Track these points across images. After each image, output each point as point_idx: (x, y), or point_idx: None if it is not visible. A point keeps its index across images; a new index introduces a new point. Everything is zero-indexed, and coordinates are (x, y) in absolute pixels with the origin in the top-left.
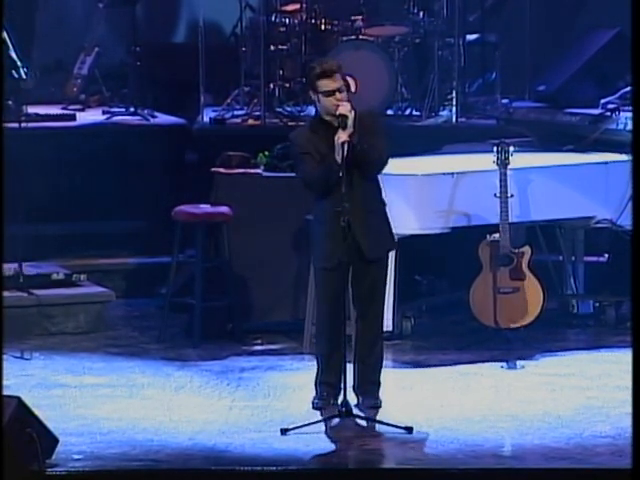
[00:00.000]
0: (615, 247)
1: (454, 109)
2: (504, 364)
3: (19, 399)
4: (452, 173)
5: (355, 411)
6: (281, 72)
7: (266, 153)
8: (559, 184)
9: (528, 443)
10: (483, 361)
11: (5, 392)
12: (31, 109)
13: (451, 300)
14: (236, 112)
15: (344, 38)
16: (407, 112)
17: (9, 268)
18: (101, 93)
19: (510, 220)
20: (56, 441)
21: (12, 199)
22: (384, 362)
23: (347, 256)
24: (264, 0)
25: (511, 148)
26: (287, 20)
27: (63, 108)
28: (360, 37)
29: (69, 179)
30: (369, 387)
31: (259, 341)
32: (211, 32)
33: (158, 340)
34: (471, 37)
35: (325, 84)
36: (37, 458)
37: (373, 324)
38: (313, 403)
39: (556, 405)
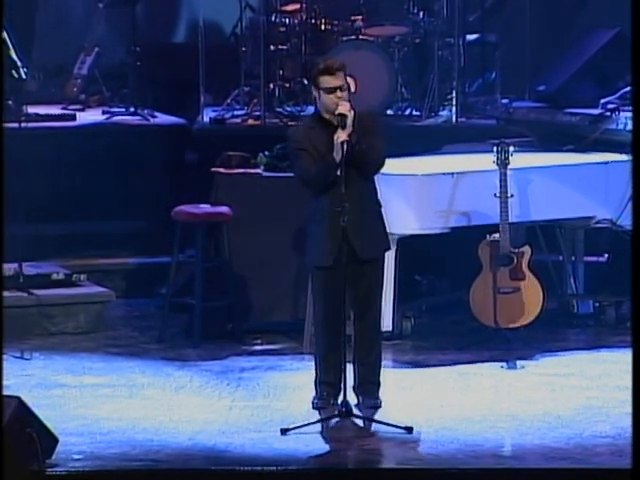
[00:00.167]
0: (615, 247)
1: (454, 109)
2: (504, 364)
3: (19, 399)
4: (452, 173)
5: (355, 411)
6: (281, 72)
7: (266, 153)
8: (559, 184)
9: (528, 443)
10: (483, 361)
11: (5, 392)
12: (31, 109)
13: (451, 300)
14: (236, 112)
15: (344, 38)
16: (407, 112)
17: (9, 268)
18: (101, 93)
19: (510, 220)
20: (56, 441)
21: (12, 199)
22: (384, 362)
23: (342, 256)
24: (264, 0)
25: (511, 148)
26: (287, 20)
27: (63, 108)
28: (360, 37)
29: (69, 179)
30: (369, 387)
31: (259, 341)
32: (211, 32)
33: (158, 340)
34: (471, 37)
35: (327, 81)
36: (37, 458)
37: (371, 324)
38: (313, 403)
39: (556, 405)
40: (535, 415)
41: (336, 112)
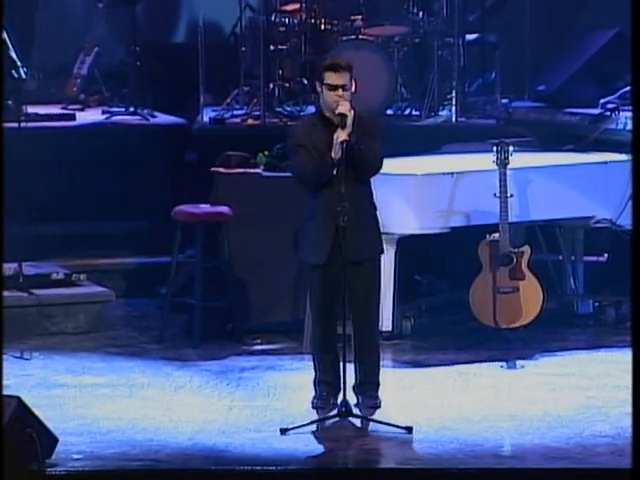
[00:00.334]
0: (615, 247)
1: (454, 109)
2: (504, 364)
3: (19, 399)
4: (452, 173)
5: (355, 411)
6: (281, 72)
7: (266, 153)
8: (559, 184)
9: (528, 443)
10: (483, 361)
11: (5, 392)
12: (31, 109)
13: (451, 300)
14: (236, 112)
15: (344, 38)
16: (407, 112)
17: (9, 268)
18: (101, 93)
19: (510, 220)
20: (56, 441)
21: (12, 199)
22: (384, 362)
23: (336, 255)
24: (264, 0)
25: (511, 148)
26: (287, 20)
27: (63, 108)
28: (360, 37)
29: (69, 179)
30: (368, 387)
31: (259, 341)
32: (211, 32)
33: (158, 340)
34: (471, 37)
35: (331, 77)
36: (37, 458)
37: (369, 325)
38: (313, 403)
39: (556, 405)
40: (535, 415)
41: (336, 111)
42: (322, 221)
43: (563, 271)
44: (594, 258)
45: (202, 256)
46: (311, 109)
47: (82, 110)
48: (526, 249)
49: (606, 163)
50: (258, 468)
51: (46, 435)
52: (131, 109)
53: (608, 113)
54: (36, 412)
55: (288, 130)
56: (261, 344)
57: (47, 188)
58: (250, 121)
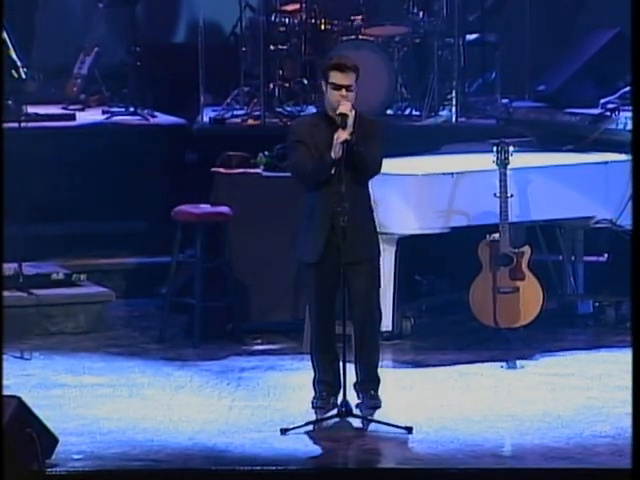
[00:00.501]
0: (615, 247)
1: (454, 109)
2: (504, 364)
3: (19, 399)
4: (452, 173)
5: (355, 411)
6: (281, 72)
7: (266, 153)
8: (559, 184)
9: (528, 443)
10: (483, 361)
11: (5, 392)
12: (31, 109)
13: (451, 300)
14: (236, 112)
15: (344, 38)
16: (407, 112)
17: (9, 268)
18: (101, 93)
19: (510, 220)
20: (56, 441)
21: (12, 199)
22: (384, 362)
23: (332, 254)
24: (264, 0)
25: (511, 148)
26: (287, 20)
27: (63, 108)
28: (360, 37)
29: (69, 179)
30: (368, 387)
31: (259, 341)
32: (211, 32)
33: (158, 340)
34: (471, 37)
35: (335, 76)
36: (37, 458)
37: (368, 325)
38: (313, 403)
39: (556, 405)
40: (535, 415)
41: (337, 111)
42: (318, 220)
43: (563, 271)
44: (594, 258)
45: (202, 256)
46: (311, 109)
47: (82, 110)
48: (526, 249)
49: (606, 163)
50: (258, 468)
51: (46, 435)
52: (131, 109)
53: (608, 113)
54: (36, 412)
55: (291, 126)
56: (261, 344)
57: (47, 188)
58: (250, 121)
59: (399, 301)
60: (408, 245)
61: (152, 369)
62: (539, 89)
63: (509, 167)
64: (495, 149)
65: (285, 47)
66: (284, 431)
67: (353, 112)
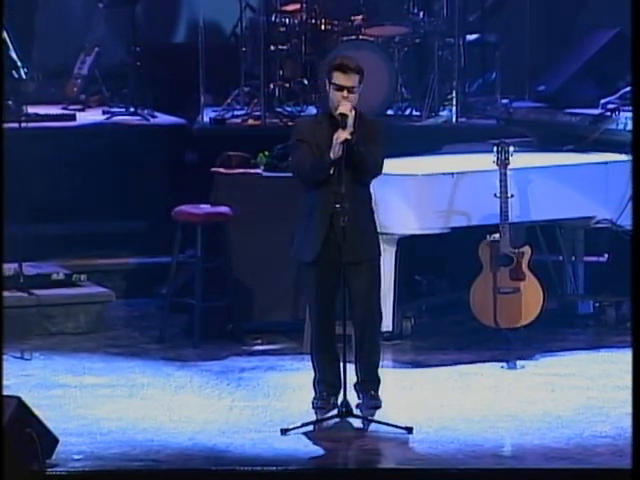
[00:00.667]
0: (615, 247)
1: (454, 109)
2: (504, 364)
3: (19, 399)
4: (452, 173)
5: (355, 411)
6: (281, 72)
7: (266, 153)
8: (559, 184)
9: (528, 443)
10: (483, 361)
11: (5, 392)
12: (31, 109)
13: (451, 300)
14: (236, 112)
15: (344, 38)
16: (407, 112)
17: (9, 268)
18: (101, 93)
19: (510, 220)
20: (56, 441)
21: (12, 199)
22: (384, 362)
23: (329, 254)
24: (264, 0)
25: (511, 148)
26: (287, 20)
27: (63, 108)
28: (360, 37)
29: (69, 179)
30: (368, 387)
31: (259, 341)
32: (211, 32)
33: (158, 340)
34: (471, 37)
35: (338, 77)
36: (37, 458)
37: (368, 325)
38: (313, 403)
39: (556, 405)
40: (535, 415)
41: (337, 112)
42: (318, 219)
43: (563, 271)
44: (594, 258)
45: (202, 256)
46: (311, 109)
47: (82, 110)
48: (526, 249)
49: (606, 163)
50: (258, 468)
51: (46, 435)
52: (131, 109)
53: (608, 113)
54: (36, 412)
55: (294, 124)
56: (261, 344)
57: (47, 188)
58: (250, 121)
59: (399, 301)
60: (408, 245)
61: (152, 369)
62: (539, 89)
63: (509, 167)
64: (495, 149)
65: (285, 47)
66: (284, 431)
67: (353, 112)
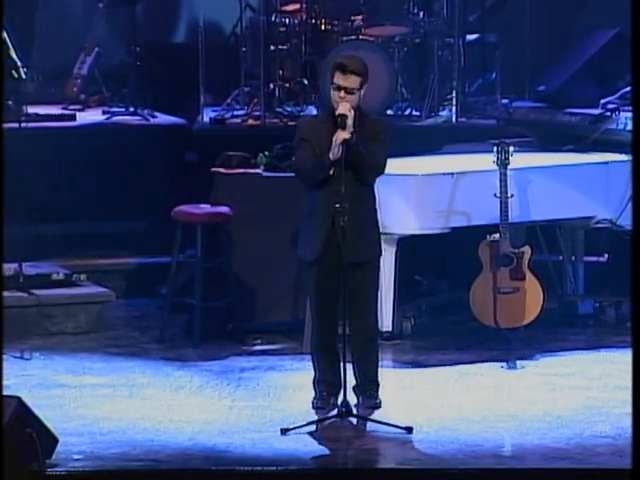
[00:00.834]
0: (615, 247)
1: (454, 109)
2: (504, 364)
3: (19, 399)
4: (452, 173)
5: (355, 411)
6: (281, 72)
7: (266, 153)
8: (559, 184)
9: (528, 443)
10: (483, 361)
11: (5, 392)
12: (31, 109)
13: (451, 300)
14: (236, 112)
15: (344, 38)
16: (407, 112)
17: (9, 268)
18: (101, 93)
19: (510, 220)
20: (56, 441)
21: (12, 199)
22: (384, 362)
23: (330, 254)
24: (264, 0)
25: (511, 148)
26: (287, 20)
27: (63, 108)
28: (360, 37)
29: (69, 179)
30: (368, 387)
31: (259, 341)
32: (211, 32)
33: (158, 340)
34: (471, 37)
35: (337, 77)
36: (37, 458)
37: (367, 325)
38: (313, 403)
39: (556, 405)
40: (535, 415)
41: (336, 112)
42: (319, 219)
43: (563, 271)
44: (594, 258)
45: (202, 256)
46: (311, 109)
47: (82, 110)
48: (526, 249)
49: (606, 163)
50: (258, 468)
51: (46, 435)
52: (131, 109)
53: (608, 113)
54: (36, 412)
55: (298, 123)
56: (261, 344)
57: (47, 188)
58: (250, 121)
59: (399, 301)
60: (408, 245)
61: (152, 369)
62: (539, 89)
63: (509, 167)
64: (495, 149)
65: (285, 47)
66: (284, 431)
67: (352, 113)
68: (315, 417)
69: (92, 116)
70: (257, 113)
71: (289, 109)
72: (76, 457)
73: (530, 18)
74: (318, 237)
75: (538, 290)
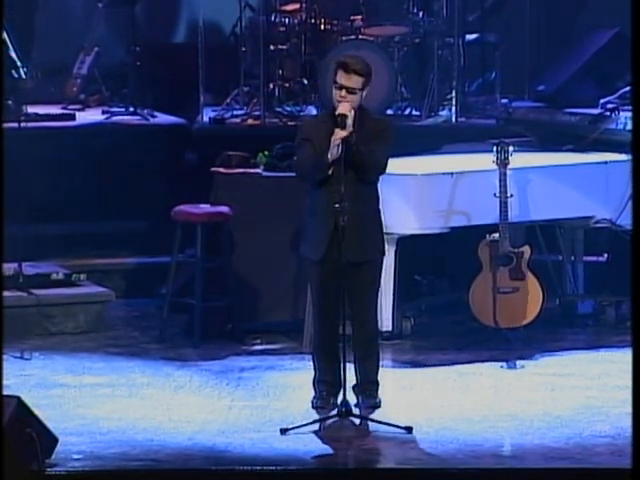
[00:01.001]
0: (615, 247)
1: (454, 109)
2: (504, 364)
3: (19, 399)
4: (452, 173)
5: (355, 411)
6: (281, 72)
7: (266, 153)
8: (559, 184)
9: (528, 443)
10: (483, 361)
11: (5, 392)
12: (31, 109)
13: (451, 300)
14: (236, 112)
15: (344, 38)
16: (407, 112)
17: (9, 268)
18: (101, 93)
19: (510, 220)
20: (56, 441)
21: (12, 199)
22: (384, 362)
23: (333, 253)
24: (264, 0)
25: (511, 148)
26: (287, 20)
27: (63, 108)
28: (360, 37)
29: (69, 179)
30: (368, 387)
31: (259, 341)
32: (211, 32)
33: (158, 340)
34: (471, 37)
35: (339, 76)
36: (37, 458)
37: (367, 325)
38: (313, 403)
39: (556, 405)
40: (535, 415)
41: (336, 112)
42: (321, 218)
43: (563, 271)
44: (594, 258)
45: (202, 256)
46: (311, 109)
47: (82, 110)
48: (526, 249)
49: (606, 163)
50: (258, 468)
51: (46, 435)
52: (131, 109)
53: (608, 113)
54: (36, 412)
55: (300, 122)
56: (261, 344)
57: (47, 188)
58: (250, 121)
59: (399, 301)
60: (408, 245)
61: (152, 369)
62: (539, 89)
63: (509, 167)
64: (495, 149)
65: (285, 47)
66: (284, 431)
67: (352, 112)
68: (315, 417)
69: (92, 116)
70: (257, 113)
71: (289, 109)
72: (76, 457)
73: (530, 18)
74: (322, 237)
75: (538, 290)
